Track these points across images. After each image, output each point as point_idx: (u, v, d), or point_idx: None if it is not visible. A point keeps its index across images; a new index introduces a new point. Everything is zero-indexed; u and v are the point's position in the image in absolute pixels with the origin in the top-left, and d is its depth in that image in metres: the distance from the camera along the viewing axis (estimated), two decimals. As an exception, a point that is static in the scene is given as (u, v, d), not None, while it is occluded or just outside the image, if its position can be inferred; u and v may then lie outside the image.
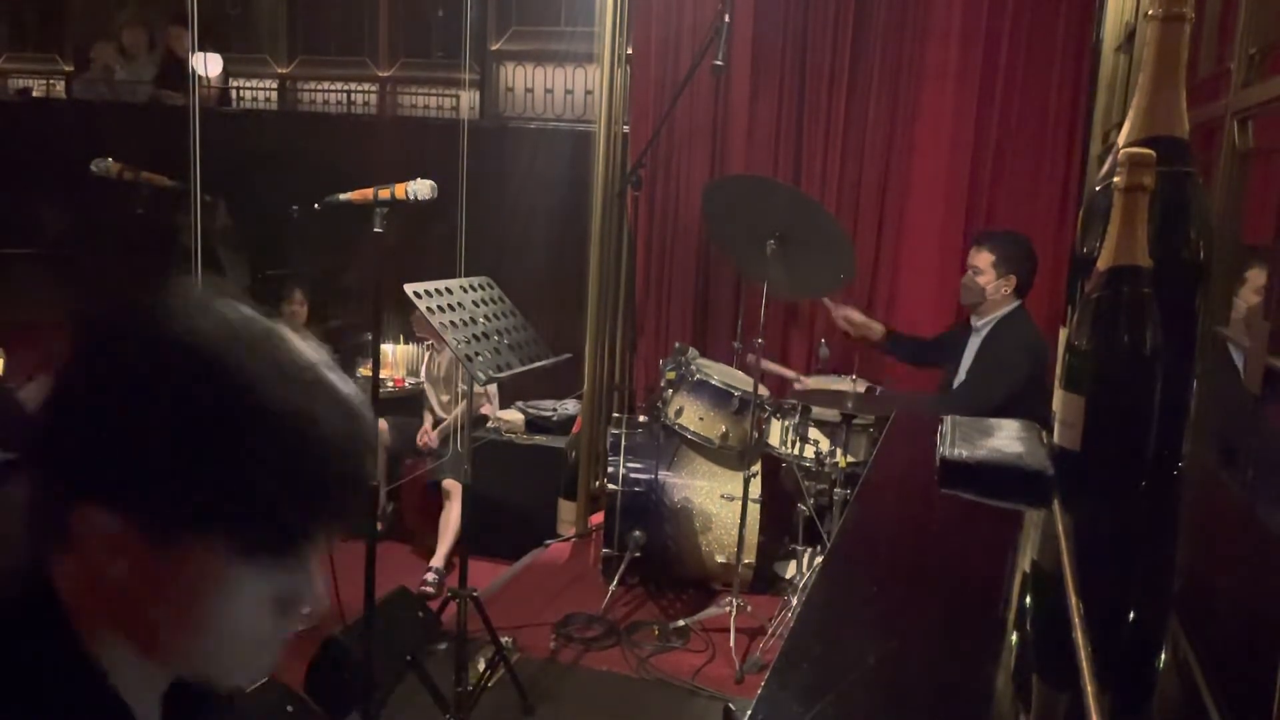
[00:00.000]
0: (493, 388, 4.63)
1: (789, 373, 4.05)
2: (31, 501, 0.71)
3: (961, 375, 3.50)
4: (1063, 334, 1.06)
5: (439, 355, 4.66)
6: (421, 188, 2.43)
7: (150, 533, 0.68)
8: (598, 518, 4.14)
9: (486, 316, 2.70)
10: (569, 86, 5.81)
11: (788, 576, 3.63)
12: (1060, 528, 0.90)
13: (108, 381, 0.69)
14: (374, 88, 6.28)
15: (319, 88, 6.42)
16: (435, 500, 4.46)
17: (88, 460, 0.68)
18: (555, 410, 4.73)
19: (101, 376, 0.69)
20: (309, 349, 0.73)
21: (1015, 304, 3.43)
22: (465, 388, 4.54)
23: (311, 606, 0.75)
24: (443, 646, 3.08)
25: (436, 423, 4.76)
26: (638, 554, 3.58)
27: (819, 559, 3.42)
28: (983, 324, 3.47)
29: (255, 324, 0.72)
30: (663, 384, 3.75)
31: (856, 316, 3.89)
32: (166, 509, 0.68)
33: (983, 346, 3.45)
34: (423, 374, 4.87)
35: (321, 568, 0.76)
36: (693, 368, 3.64)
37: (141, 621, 0.72)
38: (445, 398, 4.70)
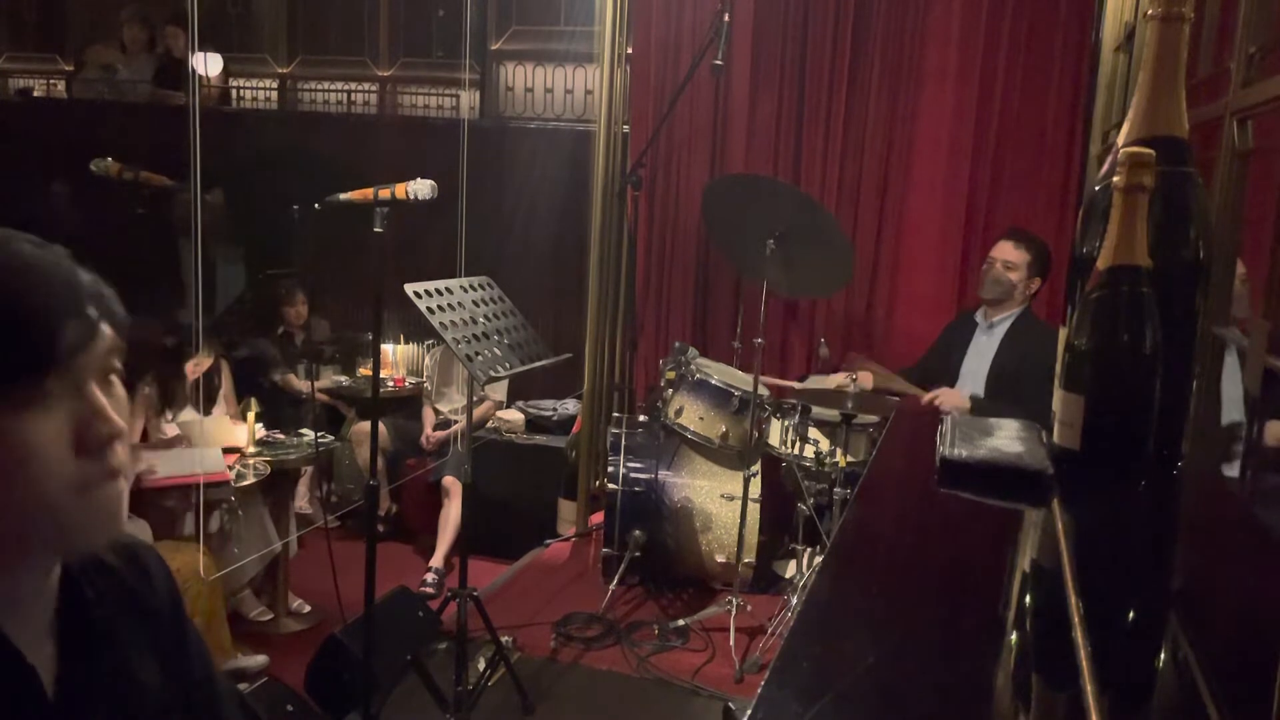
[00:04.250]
0: (501, 385, 4.63)
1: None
2: None
3: (976, 373, 3.46)
4: (1062, 334, 1.06)
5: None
6: (422, 188, 2.42)
7: None
8: (598, 517, 4.14)
9: (486, 316, 2.70)
10: (569, 86, 5.82)
11: (788, 576, 3.63)
12: (1060, 528, 0.90)
13: None
14: (374, 88, 6.29)
15: (319, 88, 6.43)
16: (436, 501, 4.47)
17: None
18: (555, 410, 4.74)
19: None
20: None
21: (1025, 304, 3.43)
22: (483, 394, 4.56)
23: (109, 435, 0.74)
24: (443, 646, 3.08)
25: (439, 425, 4.76)
26: (638, 553, 3.57)
27: (819, 558, 3.42)
28: (998, 321, 3.44)
29: None
30: (663, 383, 3.75)
31: (878, 370, 3.64)
32: None
33: (1006, 348, 3.38)
34: (429, 373, 4.89)
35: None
36: (692, 367, 3.64)
37: None
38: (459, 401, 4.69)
